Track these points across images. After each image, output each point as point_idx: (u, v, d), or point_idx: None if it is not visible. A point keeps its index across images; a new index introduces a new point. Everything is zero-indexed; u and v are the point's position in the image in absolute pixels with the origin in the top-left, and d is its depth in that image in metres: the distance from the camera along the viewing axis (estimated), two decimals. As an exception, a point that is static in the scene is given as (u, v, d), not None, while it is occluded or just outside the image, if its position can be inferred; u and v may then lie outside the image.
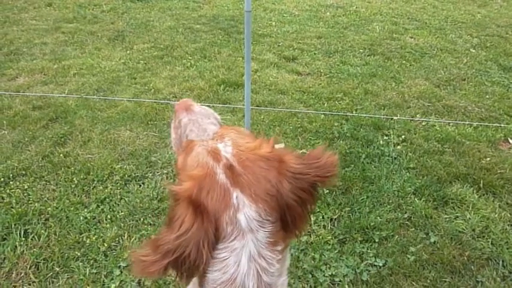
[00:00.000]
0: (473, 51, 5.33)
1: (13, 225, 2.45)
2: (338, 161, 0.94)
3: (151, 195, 2.71)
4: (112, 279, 2.17)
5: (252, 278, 0.84)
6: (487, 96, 4.12)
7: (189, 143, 1.00)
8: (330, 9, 6.99)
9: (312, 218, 2.56)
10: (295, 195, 0.88)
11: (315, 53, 5.12)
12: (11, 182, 2.80)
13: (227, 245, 0.84)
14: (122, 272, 2.21)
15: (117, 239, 2.41)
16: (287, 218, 0.89)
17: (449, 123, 3.62)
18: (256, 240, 0.85)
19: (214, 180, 0.85)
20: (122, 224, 2.50)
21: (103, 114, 3.65)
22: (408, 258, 2.31)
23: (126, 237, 2.41)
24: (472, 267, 2.26)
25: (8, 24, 5.96)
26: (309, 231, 2.48)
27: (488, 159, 3.11)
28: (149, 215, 2.57)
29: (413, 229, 2.51)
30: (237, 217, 0.84)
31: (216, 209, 0.83)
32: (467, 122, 3.62)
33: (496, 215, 2.60)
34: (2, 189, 2.75)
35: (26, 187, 2.77)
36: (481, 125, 3.58)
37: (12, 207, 2.59)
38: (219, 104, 3.85)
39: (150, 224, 2.51)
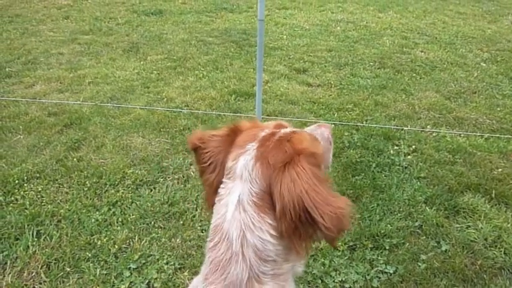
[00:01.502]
0: (484, 65, 5.33)
1: (26, 226, 2.49)
2: (349, 218, 0.89)
3: (162, 199, 2.74)
4: (122, 280, 2.18)
5: (235, 228, 0.91)
6: (498, 109, 4.11)
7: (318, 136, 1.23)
8: (340, 23, 7.08)
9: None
10: (281, 189, 0.88)
11: (325, 66, 5.17)
12: (25, 184, 2.86)
13: (225, 181, 0.98)
14: (131, 274, 2.22)
15: (127, 241, 2.43)
16: (275, 206, 0.90)
17: (460, 134, 3.61)
18: (243, 191, 0.93)
19: (256, 132, 1.02)
20: (133, 227, 2.52)
21: (116, 121, 3.72)
22: (419, 266, 2.28)
23: (136, 239, 2.43)
24: (485, 276, 2.23)
25: (27, 35, 6.14)
26: (318, 238, 2.48)
27: (500, 170, 3.09)
28: (160, 219, 2.59)
29: (424, 237, 2.49)
30: (239, 158, 0.97)
31: (237, 143, 1.01)
32: (479, 134, 3.60)
33: (509, 225, 2.56)
34: (17, 191, 2.80)
35: (39, 189, 2.82)
36: (492, 136, 3.56)
37: (25, 209, 2.63)
38: (230, 113, 3.90)
39: (161, 228, 2.53)
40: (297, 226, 0.89)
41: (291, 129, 1.05)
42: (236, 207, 0.91)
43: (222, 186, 0.98)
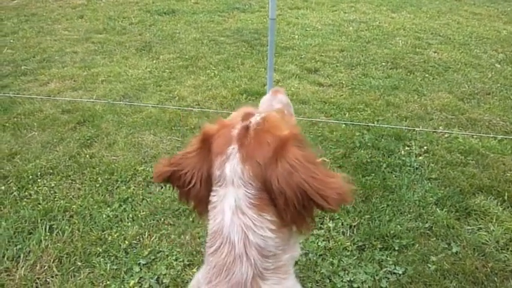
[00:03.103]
0: (499, 66, 5.25)
1: (39, 221, 2.54)
2: (348, 191, 0.90)
3: (173, 196, 2.76)
4: (131, 275, 2.21)
5: (236, 232, 0.90)
6: (513, 111, 4.05)
7: (262, 105, 1.26)
8: (352, 24, 7.04)
9: (330, 224, 2.55)
10: (279, 184, 0.88)
11: (337, 66, 5.15)
12: (38, 180, 2.91)
13: (216, 189, 0.95)
14: (141, 269, 2.25)
15: (137, 237, 2.46)
16: (276, 201, 0.90)
17: (472, 135, 3.56)
18: (237, 197, 0.91)
19: (228, 132, 0.97)
20: (143, 223, 2.55)
21: (128, 118, 3.76)
22: (429, 268, 2.27)
23: (146, 235, 2.46)
24: (496, 278, 2.20)
25: (42, 34, 6.24)
26: (327, 237, 2.48)
27: (513, 172, 3.05)
28: (170, 216, 2.61)
29: (435, 239, 2.47)
30: (225, 165, 0.93)
31: (216, 151, 0.96)
32: (492, 135, 3.55)
33: (522, 228, 2.53)
34: (30, 186, 2.85)
35: (52, 185, 2.87)
36: (506, 138, 3.51)
37: (39, 204, 2.68)
38: (241, 112, 3.90)
39: (171, 224, 2.55)
40: (301, 212, 0.91)
41: (259, 115, 1.00)
42: (234, 213, 0.90)
43: (213, 194, 0.96)
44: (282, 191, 0.88)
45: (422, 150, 3.33)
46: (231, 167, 0.92)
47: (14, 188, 2.83)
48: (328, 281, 2.19)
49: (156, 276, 2.20)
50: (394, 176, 3.01)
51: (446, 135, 3.58)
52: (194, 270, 2.23)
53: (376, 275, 2.22)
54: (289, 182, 0.87)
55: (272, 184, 0.89)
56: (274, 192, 0.89)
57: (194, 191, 0.98)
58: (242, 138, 0.94)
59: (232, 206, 0.91)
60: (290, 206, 0.89)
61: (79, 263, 2.28)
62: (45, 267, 2.25)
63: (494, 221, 2.58)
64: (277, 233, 0.92)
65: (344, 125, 3.69)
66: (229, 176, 0.92)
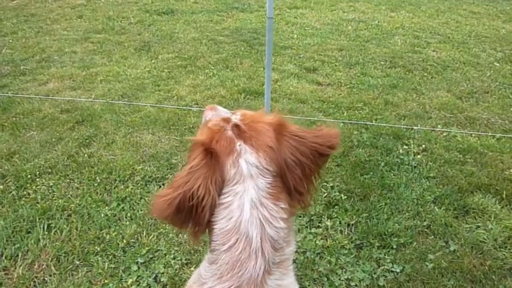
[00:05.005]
0: (497, 65, 5.25)
1: (37, 220, 2.54)
2: (339, 133, 1.03)
3: (171, 195, 2.76)
4: (129, 274, 2.21)
5: (255, 226, 0.91)
6: (511, 109, 4.05)
7: (207, 120, 1.16)
8: (351, 23, 7.04)
9: (328, 223, 2.56)
10: (294, 156, 0.97)
11: (335, 65, 5.15)
12: (37, 179, 2.91)
13: (231, 189, 0.94)
14: (139, 268, 2.25)
15: (135, 236, 2.46)
16: (288, 179, 0.96)
17: (471, 134, 3.56)
18: (257, 188, 0.93)
19: (223, 134, 0.99)
20: (141, 222, 2.55)
21: (127, 118, 3.76)
22: (427, 266, 2.27)
23: (144, 234, 2.46)
24: (494, 277, 2.20)
25: (41, 34, 6.24)
26: (325, 235, 2.48)
27: (511, 170, 3.04)
28: (168, 215, 2.61)
29: (433, 237, 2.47)
30: (239, 161, 0.95)
31: (223, 153, 0.96)
32: (490, 134, 3.56)
33: (520, 226, 2.53)
34: (29, 185, 2.86)
35: (51, 184, 2.87)
36: (504, 136, 3.51)
37: (37, 203, 2.69)
38: (239, 111, 3.90)
39: (168, 223, 2.55)
40: (311, 177, 1.01)
41: (235, 114, 1.08)
42: (252, 206, 0.92)
43: (225, 195, 0.94)
44: (297, 161, 0.96)
45: (421, 148, 3.33)
46: (246, 160, 0.95)
47: (12, 187, 2.83)
48: (325, 279, 2.20)
49: (154, 275, 2.21)
50: (392, 174, 3.02)
51: (444, 134, 3.58)
52: (192, 268, 2.24)
53: (374, 273, 2.22)
54: (301, 150, 0.97)
55: (286, 161, 0.96)
56: (289, 168, 0.95)
57: (209, 204, 0.93)
58: (241, 134, 0.98)
59: (252, 199, 0.92)
60: (307, 172, 0.98)
61: (77, 262, 2.28)
62: (43, 266, 2.25)
63: (492, 219, 2.58)
64: (287, 223, 0.96)
65: (342, 124, 3.69)
66: (245, 169, 0.94)
